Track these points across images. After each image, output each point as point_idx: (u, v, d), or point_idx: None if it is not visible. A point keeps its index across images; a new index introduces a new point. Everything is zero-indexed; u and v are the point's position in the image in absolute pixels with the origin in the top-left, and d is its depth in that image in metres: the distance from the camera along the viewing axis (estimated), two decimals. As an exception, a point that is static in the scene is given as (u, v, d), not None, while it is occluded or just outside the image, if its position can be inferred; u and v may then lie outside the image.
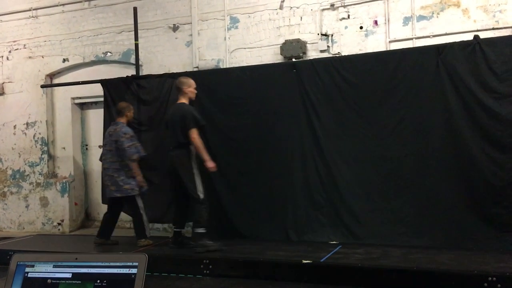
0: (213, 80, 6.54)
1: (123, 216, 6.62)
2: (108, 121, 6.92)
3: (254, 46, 7.03)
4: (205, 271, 5.05)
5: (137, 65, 7.05)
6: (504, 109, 5.06)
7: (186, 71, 6.82)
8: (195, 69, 7.19)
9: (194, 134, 5.49)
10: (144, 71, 7.45)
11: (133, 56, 7.25)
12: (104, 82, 7.03)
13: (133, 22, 6.98)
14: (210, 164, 5.56)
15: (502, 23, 5.75)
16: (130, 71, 7.23)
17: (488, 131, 5.18)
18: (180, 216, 5.81)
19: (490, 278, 4.06)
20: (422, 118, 5.48)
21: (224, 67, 7.07)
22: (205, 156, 5.55)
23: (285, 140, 6.10)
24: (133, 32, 7.01)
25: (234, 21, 7.17)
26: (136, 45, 6.98)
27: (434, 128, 5.42)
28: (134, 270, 1.43)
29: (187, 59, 7.43)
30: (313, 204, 5.95)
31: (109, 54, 8.04)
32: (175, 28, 7.54)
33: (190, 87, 5.73)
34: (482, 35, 5.45)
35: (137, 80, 6.86)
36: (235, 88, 6.38)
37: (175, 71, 6.93)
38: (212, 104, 6.49)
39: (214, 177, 6.38)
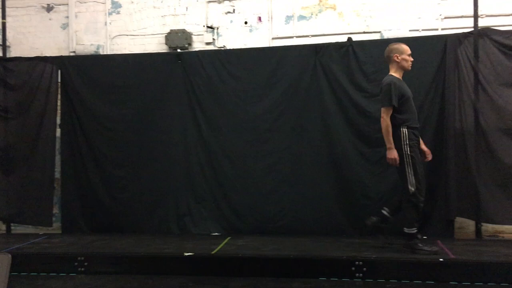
0: (92, 67, 6.23)
1: None
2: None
3: (138, 34, 6.77)
4: (79, 269, 4.78)
5: (4, 46, 6.55)
6: (372, 106, 5.51)
7: (62, 55, 6.41)
8: (72, 54, 6.75)
9: (383, 113, 4.63)
10: (13, 53, 6.82)
11: (0, 36, 6.62)
12: (-36, 63, 6.32)
13: (-1, -1, 6.38)
14: (390, 155, 4.60)
15: (372, 28, 6.23)
16: (-4, 52, 6.59)
17: (358, 127, 5.61)
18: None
19: (357, 263, 4.41)
20: (300, 114, 5.76)
21: (105, 53, 6.73)
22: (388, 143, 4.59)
23: (167, 132, 6.01)
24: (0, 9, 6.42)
25: (116, 6, 6.84)
26: (3, 24, 6.50)
27: (311, 124, 5.73)
28: (-6, 271, 1.30)
29: (62, 43, 6.92)
30: (195, 197, 5.96)
31: (-30, 31, 7.19)
32: (49, 9, 6.98)
33: (403, 54, 4.75)
34: (355, 37, 5.88)
35: (4, 62, 6.35)
36: (116, 76, 6.14)
37: (48, 55, 6.46)
38: (90, 92, 6.18)
39: (90, 169, 6.10)
